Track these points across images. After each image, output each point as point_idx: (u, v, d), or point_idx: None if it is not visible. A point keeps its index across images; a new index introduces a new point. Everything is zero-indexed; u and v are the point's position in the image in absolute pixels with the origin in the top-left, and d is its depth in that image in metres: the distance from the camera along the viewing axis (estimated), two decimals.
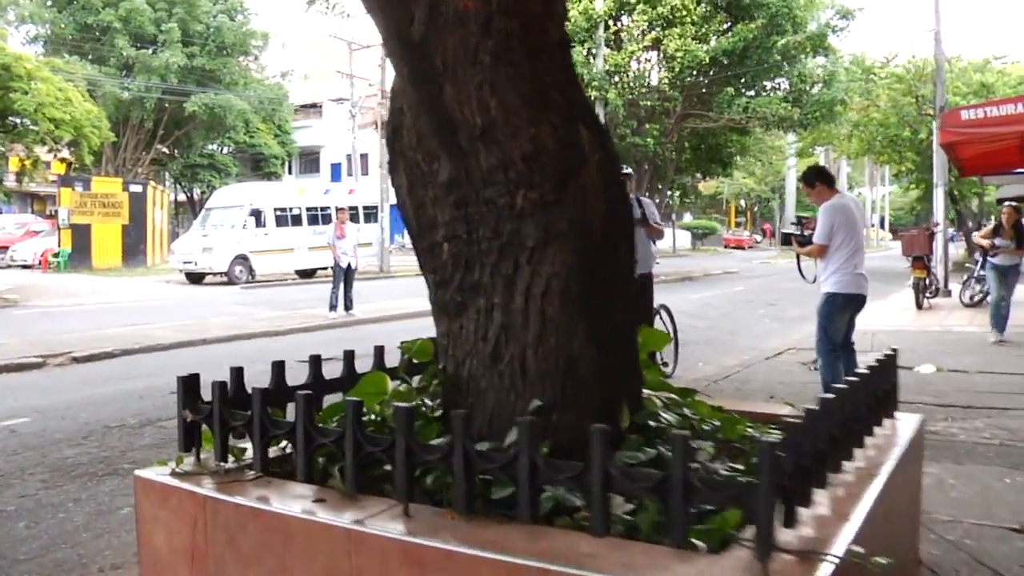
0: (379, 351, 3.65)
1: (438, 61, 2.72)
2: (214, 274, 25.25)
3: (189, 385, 2.91)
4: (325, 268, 28.05)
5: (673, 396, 3.25)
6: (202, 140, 43.49)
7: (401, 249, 47.04)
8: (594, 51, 24.44)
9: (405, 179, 3.02)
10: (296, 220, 27.24)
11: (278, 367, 3.20)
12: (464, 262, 2.88)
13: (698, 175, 33.63)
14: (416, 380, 3.20)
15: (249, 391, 3.00)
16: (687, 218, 70.60)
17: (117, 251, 30.57)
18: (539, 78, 2.76)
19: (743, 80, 25.60)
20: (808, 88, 25.61)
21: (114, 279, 25.62)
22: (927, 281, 16.09)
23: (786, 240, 7.96)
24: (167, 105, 39.41)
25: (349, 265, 15.58)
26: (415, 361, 3.27)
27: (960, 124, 13.19)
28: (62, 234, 29.68)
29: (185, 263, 25.45)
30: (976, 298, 15.97)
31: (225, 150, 46.78)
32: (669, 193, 31.95)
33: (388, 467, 2.51)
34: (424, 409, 2.96)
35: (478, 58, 2.69)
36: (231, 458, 2.86)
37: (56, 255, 29.43)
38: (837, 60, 27.07)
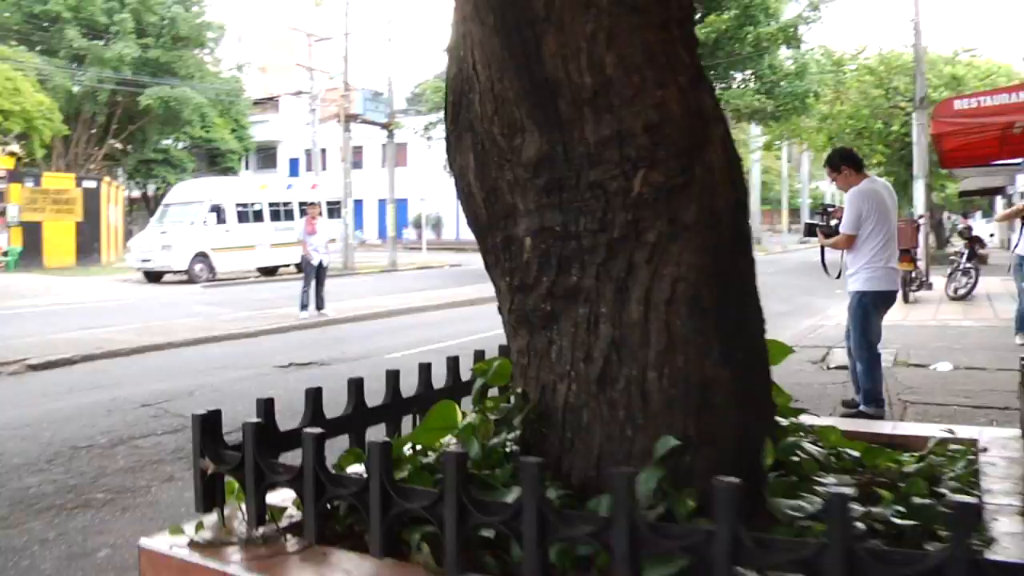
0: (425, 370, 3.03)
1: (538, 4, 2.12)
2: (173, 272, 24.30)
3: (208, 425, 2.26)
4: (288, 265, 27.26)
5: (796, 421, 2.69)
6: (157, 135, 42.21)
7: (362, 245, 46.20)
8: None
9: (473, 157, 2.41)
10: (258, 216, 26.35)
11: (314, 396, 2.58)
12: (556, 262, 2.27)
13: None
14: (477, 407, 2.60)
15: (277, 426, 2.38)
16: None
17: (70, 249, 29.42)
18: (667, 28, 2.17)
19: (714, 72, 25.17)
20: (779, 80, 25.28)
21: (68, 279, 24.53)
22: (913, 274, 15.75)
23: (810, 231, 7.38)
24: (120, 99, 38.06)
25: (321, 263, 14.86)
26: (487, 385, 2.65)
27: (953, 114, 12.84)
28: (11, 232, 28.43)
29: (143, 261, 24.47)
30: (961, 291, 15.68)
31: (180, 145, 45.47)
32: None
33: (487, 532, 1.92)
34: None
35: (592, 0, 2.09)
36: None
37: (5, 254, 28.19)
38: (807, 52, 26.78)
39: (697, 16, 24.82)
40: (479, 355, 3.45)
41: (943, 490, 2.44)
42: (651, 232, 2.18)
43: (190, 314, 15.76)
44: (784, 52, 25.93)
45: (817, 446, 2.54)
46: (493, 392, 2.70)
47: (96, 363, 10.47)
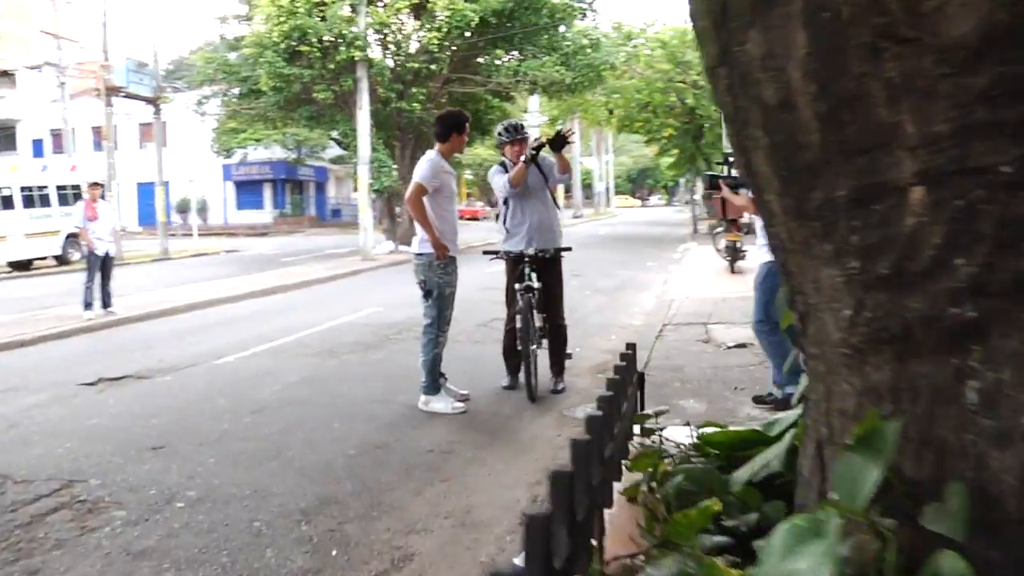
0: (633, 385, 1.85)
1: None
2: None
3: None
4: (45, 258, 24.07)
5: None
6: None
7: (123, 232, 42.27)
8: (356, 7, 22.35)
9: (806, 37, 1.29)
10: (7, 203, 22.93)
11: (567, 484, 1.41)
12: (992, 230, 1.21)
13: None
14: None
15: None
16: None
17: None
18: None
19: (511, 43, 24.50)
20: (574, 52, 24.99)
21: None
22: (738, 245, 15.74)
23: (712, 184, 6.34)
24: None
25: (107, 253, 12.75)
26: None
27: None
28: None
29: None
30: None
31: None
32: None
33: None
34: None
35: None
36: None
37: None
38: (597, 28, 26.72)
39: None
40: None
41: None
42: None
43: None
44: (579, 24, 25.66)
45: None
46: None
47: None
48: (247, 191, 50.91)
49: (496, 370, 7.32)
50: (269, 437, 5.61)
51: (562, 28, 25.22)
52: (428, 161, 6.30)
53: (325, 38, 22.23)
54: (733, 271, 15.44)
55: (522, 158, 6.63)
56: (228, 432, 5.77)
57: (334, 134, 38.22)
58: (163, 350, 9.62)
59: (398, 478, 4.74)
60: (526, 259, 6.71)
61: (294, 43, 21.99)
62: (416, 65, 23.73)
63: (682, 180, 49.69)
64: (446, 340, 6.43)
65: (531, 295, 6.60)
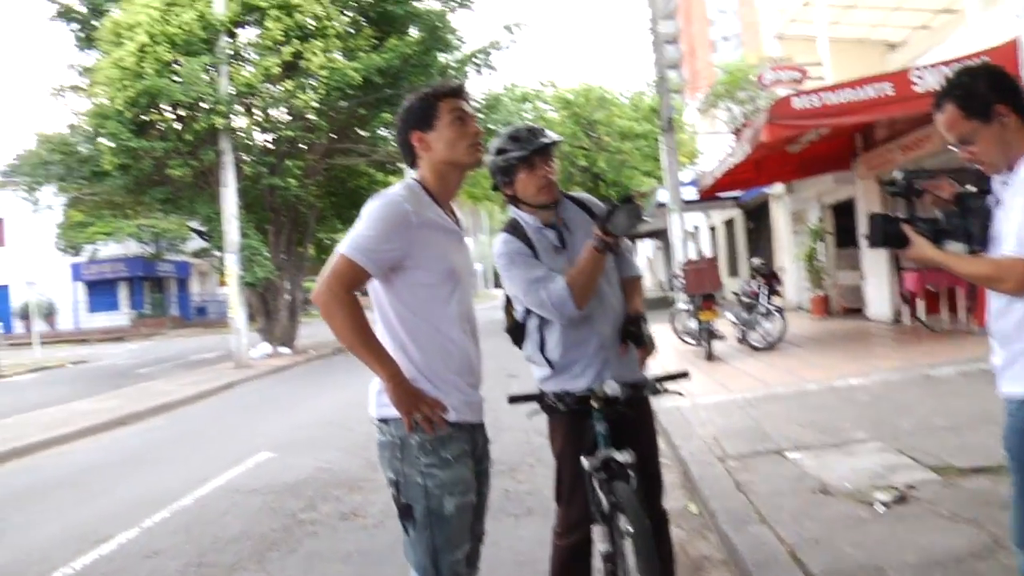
0: None
1: None
2: None
3: None
4: None
5: None
6: None
7: None
8: (216, 66, 18.66)
9: None
10: None
11: None
12: None
13: (339, 225, 28.49)
14: None
15: None
16: None
17: None
18: None
19: (398, 106, 21.22)
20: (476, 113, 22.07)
21: None
22: (716, 325, 12.71)
23: (889, 235, 2.76)
24: None
25: None
26: None
27: (792, 115, 9.98)
28: None
29: None
30: (771, 339, 12.90)
31: None
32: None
33: None
34: None
35: None
36: None
37: None
38: (491, 90, 24.07)
39: (374, 41, 20.89)
40: None
41: None
42: None
43: None
44: (473, 86, 22.87)
45: None
46: None
47: None
48: (100, 291, 45.99)
49: None
50: None
51: None
52: (381, 203, 2.83)
53: (180, 104, 18.54)
54: (711, 358, 12.39)
55: (592, 243, 3.28)
56: None
57: (194, 224, 33.89)
58: None
59: None
60: (596, 407, 3.33)
61: (142, 111, 18.19)
62: (291, 134, 20.21)
63: None
64: None
65: (625, 480, 3.21)
